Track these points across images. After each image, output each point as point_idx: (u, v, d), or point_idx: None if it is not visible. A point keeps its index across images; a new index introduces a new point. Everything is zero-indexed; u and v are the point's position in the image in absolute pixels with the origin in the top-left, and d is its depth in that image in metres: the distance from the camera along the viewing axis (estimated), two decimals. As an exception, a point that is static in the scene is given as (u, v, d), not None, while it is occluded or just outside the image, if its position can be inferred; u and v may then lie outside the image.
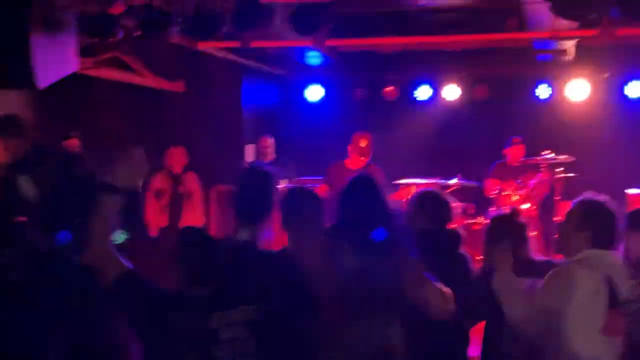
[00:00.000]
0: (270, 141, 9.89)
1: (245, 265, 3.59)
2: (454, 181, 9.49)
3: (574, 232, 3.82)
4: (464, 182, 9.53)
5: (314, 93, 11.52)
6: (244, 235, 3.70)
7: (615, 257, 3.82)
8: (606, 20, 6.91)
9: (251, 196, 3.77)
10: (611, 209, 3.82)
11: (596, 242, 3.75)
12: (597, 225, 3.77)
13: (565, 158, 9.28)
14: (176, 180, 8.75)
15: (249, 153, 10.23)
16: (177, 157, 8.81)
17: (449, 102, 10.96)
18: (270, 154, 9.85)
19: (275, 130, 10.33)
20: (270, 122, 11.18)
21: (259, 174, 3.87)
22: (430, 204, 4.68)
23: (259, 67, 10.71)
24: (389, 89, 11.10)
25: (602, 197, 3.88)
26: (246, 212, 3.75)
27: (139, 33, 6.53)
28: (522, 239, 4.43)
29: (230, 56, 9.68)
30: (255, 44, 8.40)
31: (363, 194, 4.02)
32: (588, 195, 3.92)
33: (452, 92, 10.84)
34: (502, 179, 9.58)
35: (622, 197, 8.73)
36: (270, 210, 3.77)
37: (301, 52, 9.97)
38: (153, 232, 8.66)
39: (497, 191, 9.35)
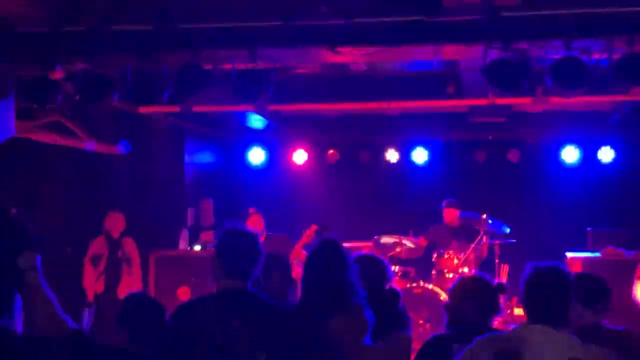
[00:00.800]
0: (209, 203, 9.83)
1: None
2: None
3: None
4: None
5: (257, 156, 11.53)
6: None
7: (541, 331, 3.58)
8: (539, 88, 7.14)
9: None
10: (547, 281, 3.67)
11: (532, 317, 3.64)
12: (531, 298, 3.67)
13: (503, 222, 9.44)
14: (114, 245, 8.62)
15: (191, 217, 10.17)
16: (115, 222, 8.69)
17: (390, 165, 11.08)
18: (210, 216, 9.78)
19: (217, 193, 10.30)
20: (213, 185, 11.15)
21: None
22: (366, 266, 4.70)
23: (201, 130, 10.72)
24: (331, 152, 11.20)
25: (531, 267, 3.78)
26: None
27: (79, 98, 6.47)
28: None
29: (173, 120, 9.68)
30: (197, 109, 8.46)
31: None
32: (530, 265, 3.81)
33: (391, 155, 10.96)
34: (440, 240, 9.72)
35: (562, 260, 8.90)
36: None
37: (244, 115, 10.04)
38: (89, 297, 8.49)
39: (436, 255, 9.43)
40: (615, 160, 10.36)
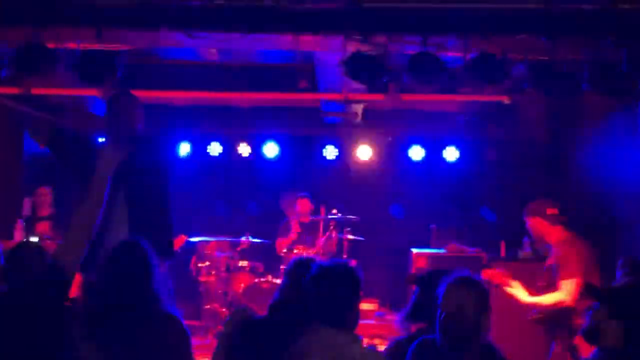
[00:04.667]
0: (46, 191, 9.26)
1: None
2: (243, 239, 9.42)
3: None
4: (253, 240, 9.46)
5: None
6: None
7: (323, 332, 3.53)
8: (392, 85, 7.18)
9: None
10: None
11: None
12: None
13: (352, 218, 9.47)
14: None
15: (27, 207, 9.54)
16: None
17: (241, 159, 10.86)
18: (48, 206, 9.23)
19: (55, 182, 9.71)
20: (51, 173, 10.52)
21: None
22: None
23: (37, 114, 10.09)
24: (182, 144, 10.83)
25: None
26: None
27: None
28: None
29: (10, 102, 9.06)
30: (37, 91, 7.95)
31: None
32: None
33: (243, 149, 10.76)
34: (287, 235, 9.69)
35: (407, 256, 9.05)
36: None
37: (89, 101, 9.57)
38: None
39: (286, 249, 9.35)
40: (459, 159, 10.63)
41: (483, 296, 3.61)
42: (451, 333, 3.56)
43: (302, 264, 4.19)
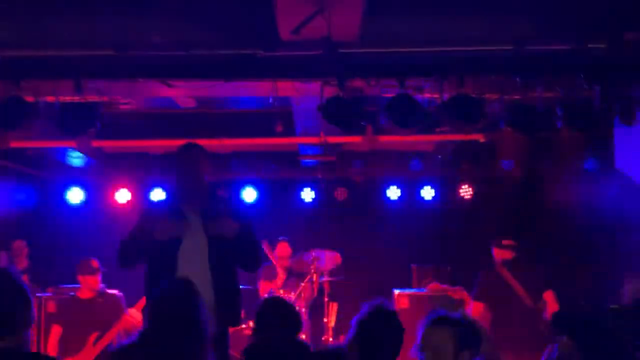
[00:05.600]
0: (22, 245, 9.19)
1: None
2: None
3: None
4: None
5: (75, 195, 10.91)
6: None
7: None
8: (369, 127, 7.26)
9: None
10: None
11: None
12: None
13: (332, 260, 9.45)
14: None
15: (4, 260, 9.45)
16: None
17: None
18: (24, 259, 9.16)
19: (31, 235, 9.64)
20: (27, 226, 10.43)
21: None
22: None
23: (15, 168, 10.02)
24: (157, 191, 10.79)
25: None
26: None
27: None
28: None
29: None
30: (15, 144, 7.93)
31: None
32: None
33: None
34: (272, 279, 9.62)
35: (389, 297, 9.03)
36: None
37: (62, 152, 9.54)
38: None
39: (267, 294, 9.29)
40: (436, 198, 10.70)
41: (461, 333, 3.58)
42: None
43: (271, 305, 4.40)
